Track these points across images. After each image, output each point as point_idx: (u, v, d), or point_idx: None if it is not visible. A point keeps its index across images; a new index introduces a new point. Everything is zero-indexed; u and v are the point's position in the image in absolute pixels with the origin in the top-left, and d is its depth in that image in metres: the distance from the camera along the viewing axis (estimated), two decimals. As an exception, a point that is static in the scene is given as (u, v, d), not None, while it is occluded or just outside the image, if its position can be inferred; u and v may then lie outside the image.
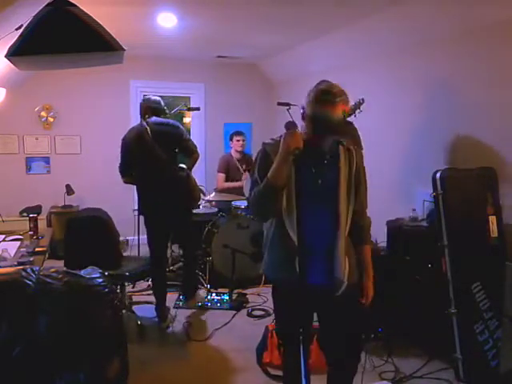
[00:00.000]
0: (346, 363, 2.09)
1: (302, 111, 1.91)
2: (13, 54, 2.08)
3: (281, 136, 1.88)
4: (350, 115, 3.08)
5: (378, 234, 3.81)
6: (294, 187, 1.82)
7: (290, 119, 3.26)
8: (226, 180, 5.29)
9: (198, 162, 3.77)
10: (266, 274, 2.14)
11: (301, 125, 1.95)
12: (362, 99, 3.16)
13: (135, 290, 4.13)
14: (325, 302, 1.99)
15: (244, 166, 5.32)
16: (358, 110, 3.12)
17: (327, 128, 1.81)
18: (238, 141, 5.24)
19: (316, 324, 2.16)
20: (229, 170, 5.27)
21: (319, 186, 1.90)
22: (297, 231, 1.81)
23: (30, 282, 1.93)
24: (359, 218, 2.02)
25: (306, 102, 1.88)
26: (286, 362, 2.21)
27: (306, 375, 1.82)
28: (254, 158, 2.03)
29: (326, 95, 1.79)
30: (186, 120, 6.71)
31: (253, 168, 1.98)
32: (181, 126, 3.60)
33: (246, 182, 5.19)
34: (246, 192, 5.20)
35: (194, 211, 4.86)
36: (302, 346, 1.87)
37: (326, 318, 2.08)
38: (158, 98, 3.69)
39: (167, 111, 3.76)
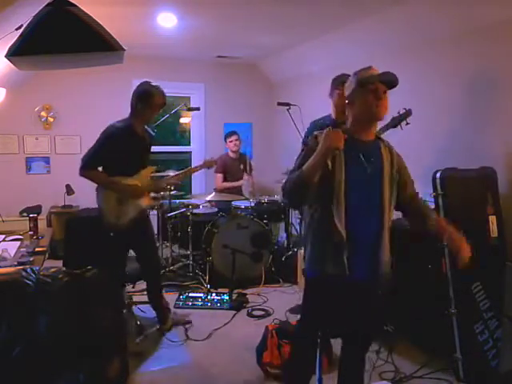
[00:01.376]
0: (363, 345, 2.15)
1: (347, 101, 1.95)
2: (13, 54, 2.08)
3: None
4: (393, 126, 2.93)
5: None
6: (344, 179, 1.82)
7: (290, 119, 3.23)
8: (225, 180, 5.30)
9: (91, 179, 3.05)
10: (308, 268, 2.00)
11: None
12: (410, 110, 2.88)
13: (135, 290, 4.13)
14: (367, 298, 1.97)
15: (242, 167, 5.32)
16: (404, 122, 2.88)
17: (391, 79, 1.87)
18: (231, 141, 5.28)
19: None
20: (227, 170, 5.28)
21: (367, 180, 1.89)
22: (345, 224, 1.82)
23: (29, 282, 1.93)
24: (417, 201, 2.07)
25: (349, 90, 1.93)
26: (300, 364, 2.12)
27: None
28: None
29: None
30: (186, 120, 6.71)
31: (300, 155, 1.94)
32: (106, 130, 3.02)
33: (245, 183, 5.18)
34: (245, 192, 5.21)
35: (194, 211, 4.89)
36: (318, 348, 1.90)
37: (363, 313, 2.03)
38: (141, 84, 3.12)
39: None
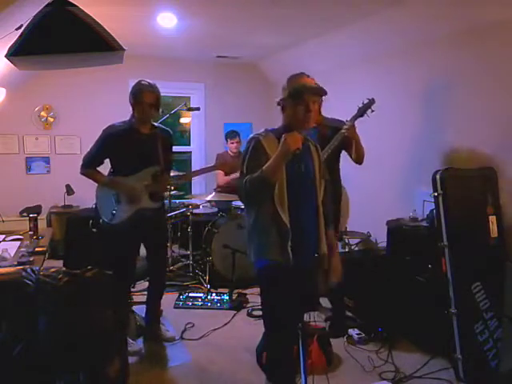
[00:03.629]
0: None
1: (281, 103, 2.09)
2: (13, 53, 2.08)
3: (272, 129, 2.07)
4: (360, 115, 3.05)
5: (378, 234, 3.82)
6: (285, 176, 1.97)
7: None
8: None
9: (88, 178, 3.15)
10: (255, 261, 2.13)
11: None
12: (372, 99, 3.07)
13: (135, 290, 4.13)
14: (312, 278, 2.18)
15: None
16: (369, 110, 3.05)
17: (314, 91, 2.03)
18: (233, 143, 5.26)
19: (318, 324, 2.20)
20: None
21: (302, 173, 2.07)
22: (288, 215, 1.97)
23: (29, 282, 1.93)
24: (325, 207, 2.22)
25: (283, 95, 2.09)
26: (279, 357, 2.16)
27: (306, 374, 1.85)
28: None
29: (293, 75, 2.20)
30: (186, 120, 6.70)
31: (243, 158, 2.05)
32: (105, 130, 3.06)
33: None
34: None
35: (194, 211, 4.90)
36: (301, 343, 2.00)
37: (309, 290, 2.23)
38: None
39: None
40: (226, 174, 5.20)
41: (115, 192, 3.09)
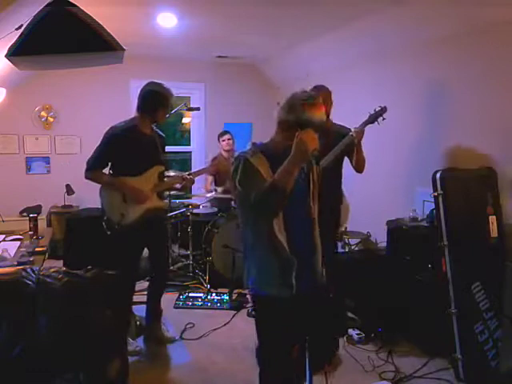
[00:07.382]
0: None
1: (278, 120, 1.82)
2: (13, 53, 2.09)
3: (259, 144, 1.86)
4: (371, 122, 2.99)
5: (378, 234, 3.82)
6: None
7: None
8: (216, 181, 5.26)
9: (95, 181, 3.07)
10: (253, 287, 1.91)
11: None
12: (385, 107, 2.98)
13: (135, 290, 4.12)
14: (314, 305, 1.96)
15: None
16: (380, 118, 2.97)
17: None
18: (224, 140, 5.28)
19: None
20: (219, 172, 5.23)
21: (299, 192, 1.82)
22: (287, 239, 1.76)
23: (29, 282, 1.93)
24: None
25: (282, 111, 1.80)
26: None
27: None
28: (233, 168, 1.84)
29: (307, 99, 1.76)
30: (186, 120, 6.70)
31: (233, 173, 1.81)
32: (108, 131, 3.03)
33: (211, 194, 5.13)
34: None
35: (194, 211, 4.91)
36: (307, 357, 1.90)
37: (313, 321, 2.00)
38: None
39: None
40: (219, 177, 5.17)
41: (121, 193, 3.05)
